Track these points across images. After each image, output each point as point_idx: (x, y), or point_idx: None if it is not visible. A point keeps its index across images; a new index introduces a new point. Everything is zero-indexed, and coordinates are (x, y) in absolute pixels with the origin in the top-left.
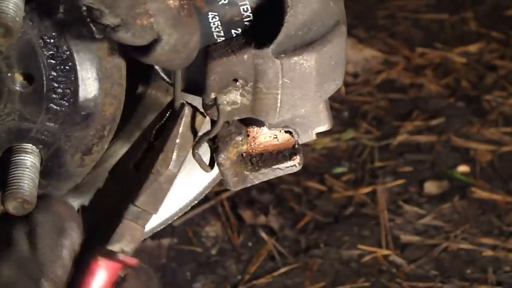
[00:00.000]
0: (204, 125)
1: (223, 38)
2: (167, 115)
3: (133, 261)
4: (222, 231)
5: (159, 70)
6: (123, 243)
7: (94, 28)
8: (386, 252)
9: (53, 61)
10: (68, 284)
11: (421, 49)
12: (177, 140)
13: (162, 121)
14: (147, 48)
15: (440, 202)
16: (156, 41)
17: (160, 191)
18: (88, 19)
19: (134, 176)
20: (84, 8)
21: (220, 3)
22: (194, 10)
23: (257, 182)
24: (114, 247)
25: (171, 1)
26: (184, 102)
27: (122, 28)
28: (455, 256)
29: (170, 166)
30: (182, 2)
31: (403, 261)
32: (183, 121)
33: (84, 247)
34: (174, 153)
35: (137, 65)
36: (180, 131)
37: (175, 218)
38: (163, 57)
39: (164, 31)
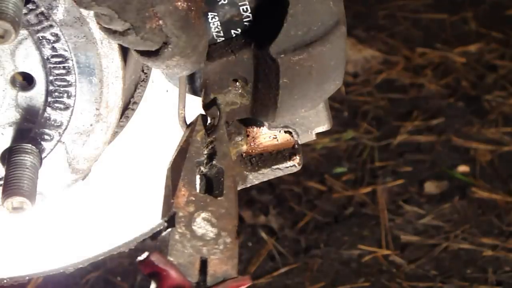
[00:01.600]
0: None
1: (223, 38)
2: None
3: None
4: None
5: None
6: None
7: (93, 29)
8: (386, 252)
9: (53, 61)
10: None
11: (421, 49)
12: None
13: None
14: (157, 52)
15: (440, 202)
16: (165, 44)
17: None
18: (98, 25)
19: None
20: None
21: (220, 3)
22: (202, 12)
23: (257, 182)
24: None
25: (179, 3)
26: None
27: (131, 32)
28: (455, 256)
29: None
30: (189, 4)
31: (403, 261)
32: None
33: None
34: None
35: None
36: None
37: None
38: (173, 61)
39: (173, 33)
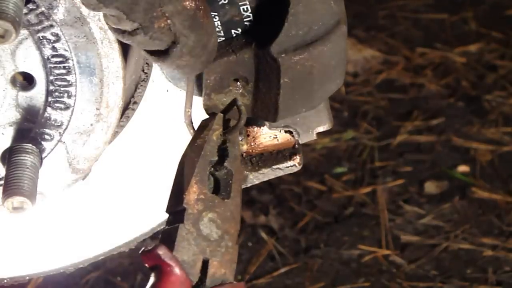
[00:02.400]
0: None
1: (223, 38)
2: None
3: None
4: None
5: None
6: None
7: (93, 29)
8: (386, 252)
9: (53, 61)
10: None
11: (421, 49)
12: None
13: None
14: (166, 52)
15: (440, 202)
16: (174, 44)
17: None
18: (107, 25)
19: None
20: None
21: (220, 3)
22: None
23: (257, 182)
24: None
25: (187, 2)
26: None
27: (140, 32)
28: (455, 256)
29: None
30: (198, 3)
31: (403, 261)
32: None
33: None
34: None
35: None
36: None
37: None
38: (182, 60)
39: (182, 32)
